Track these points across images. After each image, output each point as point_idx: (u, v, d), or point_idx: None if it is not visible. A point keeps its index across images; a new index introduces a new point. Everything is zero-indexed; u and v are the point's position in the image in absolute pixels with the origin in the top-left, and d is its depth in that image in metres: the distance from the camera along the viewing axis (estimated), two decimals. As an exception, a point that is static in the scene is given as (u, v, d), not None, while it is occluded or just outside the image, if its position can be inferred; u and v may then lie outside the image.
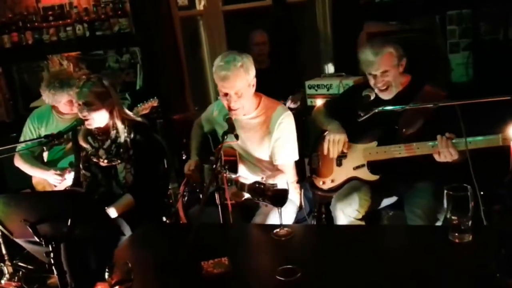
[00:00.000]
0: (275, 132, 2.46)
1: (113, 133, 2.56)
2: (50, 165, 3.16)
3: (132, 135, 2.56)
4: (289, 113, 2.51)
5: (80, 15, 4.56)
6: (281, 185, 1.86)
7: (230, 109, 2.43)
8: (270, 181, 1.91)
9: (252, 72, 2.41)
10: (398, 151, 2.35)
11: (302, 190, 2.70)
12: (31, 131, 3.20)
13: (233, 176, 2.35)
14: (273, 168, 2.53)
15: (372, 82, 2.45)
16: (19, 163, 3.18)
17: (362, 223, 2.38)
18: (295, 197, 2.59)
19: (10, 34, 4.67)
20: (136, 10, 4.45)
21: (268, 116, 2.49)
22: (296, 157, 2.55)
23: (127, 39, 4.53)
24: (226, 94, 2.39)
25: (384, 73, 2.39)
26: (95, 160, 2.62)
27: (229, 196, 2.22)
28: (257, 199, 1.94)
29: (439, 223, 2.26)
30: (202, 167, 2.65)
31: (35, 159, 3.20)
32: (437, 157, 2.18)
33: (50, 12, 4.64)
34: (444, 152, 2.14)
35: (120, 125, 2.55)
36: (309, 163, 2.74)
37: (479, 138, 2.10)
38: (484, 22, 3.79)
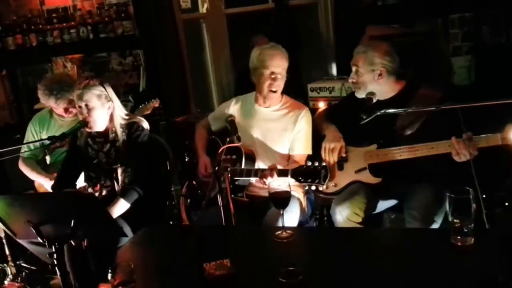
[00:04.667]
0: (297, 124, 2.60)
1: (111, 136, 2.58)
2: (53, 167, 3.16)
3: (129, 134, 2.57)
4: (308, 109, 2.69)
5: (84, 17, 4.59)
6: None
7: (270, 91, 2.58)
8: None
9: (288, 63, 2.62)
10: (399, 153, 2.36)
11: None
12: (33, 135, 3.21)
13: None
14: (288, 163, 2.58)
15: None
16: (22, 167, 3.19)
17: (361, 226, 2.38)
18: (301, 196, 2.62)
19: (15, 36, 4.70)
20: (139, 13, 4.47)
21: (291, 110, 2.65)
22: (310, 152, 2.62)
23: (131, 41, 4.55)
24: (272, 73, 2.55)
25: (357, 70, 2.51)
26: (95, 162, 2.63)
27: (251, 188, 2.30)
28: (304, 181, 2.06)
29: (436, 225, 2.27)
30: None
31: (38, 164, 3.21)
32: (457, 159, 2.17)
33: (54, 15, 4.67)
34: (464, 152, 2.13)
35: (118, 129, 2.57)
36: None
37: (478, 137, 2.11)
38: (487, 26, 3.79)
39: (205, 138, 2.84)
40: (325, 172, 1.99)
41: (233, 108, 2.78)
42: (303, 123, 2.61)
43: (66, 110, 3.06)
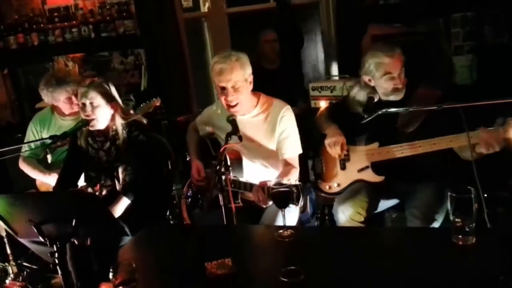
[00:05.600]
0: (278, 126, 2.49)
1: (112, 134, 2.59)
2: (54, 166, 3.16)
3: (129, 133, 2.57)
4: (289, 107, 2.55)
5: (86, 16, 4.59)
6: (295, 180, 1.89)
7: (228, 105, 2.46)
8: (285, 179, 1.92)
9: (248, 68, 2.45)
10: (400, 150, 2.37)
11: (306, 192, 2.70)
12: (33, 134, 3.21)
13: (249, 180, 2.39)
14: (281, 164, 2.54)
15: (389, 83, 2.43)
16: (23, 166, 3.19)
17: (363, 225, 2.38)
18: None
19: (16, 35, 4.69)
20: (141, 12, 4.48)
21: (269, 112, 2.53)
22: (300, 151, 2.56)
23: (132, 40, 4.55)
24: (223, 89, 2.42)
25: (400, 73, 2.41)
26: (95, 161, 2.64)
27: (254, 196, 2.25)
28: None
29: (436, 224, 2.27)
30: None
31: (39, 163, 3.21)
32: (483, 150, 2.09)
33: (55, 14, 4.66)
34: (492, 142, 2.06)
35: (119, 128, 2.58)
36: (312, 168, 2.75)
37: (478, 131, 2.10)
38: (488, 25, 3.79)
39: (195, 141, 2.81)
40: (297, 191, 1.85)
41: (215, 115, 2.70)
42: (284, 124, 2.49)
43: (68, 99, 3.05)
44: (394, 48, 2.42)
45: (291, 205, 1.86)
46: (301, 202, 1.93)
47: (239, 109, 2.47)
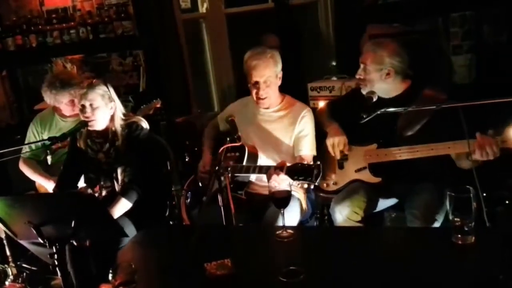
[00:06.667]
0: (298, 125, 2.60)
1: (111, 136, 2.59)
2: (54, 167, 3.16)
3: (129, 132, 2.57)
4: (310, 109, 2.68)
5: (84, 18, 4.59)
6: None
7: (258, 98, 2.60)
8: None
9: (280, 65, 2.60)
10: (398, 153, 2.36)
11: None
12: (34, 135, 3.20)
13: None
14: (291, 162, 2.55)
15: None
16: (23, 168, 3.18)
17: (361, 225, 2.38)
18: (301, 196, 2.62)
19: (14, 37, 4.71)
20: (139, 13, 4.48)
21: (291, 110, 2.65)
22: (315, 153, 2.62)
23: (131, 42, 4.55)
24: (256, 83, 2.56)
25: (365, 67, 2.45)
26: (94, 163, 2.64)
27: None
28: (296, 178, 2.03)
29: (437, 224, 2.26)
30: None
31: (39, 164, 3.21)
32: (478, 156, 2.06)
33: (54, 15, 4.67)
34: (487, 149, 2.04)
35: (118, 129, 2.58)
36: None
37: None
38: (487, 24, 3.78)
39: (212, 137, 2.86)
40: (318, 171, 1.99)
41: (238, 108, 2.80)
42: (304, 124, 2.60)
43: (71, 102, 3.05)
44: (378, 43, 2.48)
45: (305, 185, 2.05)
46: (318, 180, 2.02)
47: (267, 102, 2.63)
